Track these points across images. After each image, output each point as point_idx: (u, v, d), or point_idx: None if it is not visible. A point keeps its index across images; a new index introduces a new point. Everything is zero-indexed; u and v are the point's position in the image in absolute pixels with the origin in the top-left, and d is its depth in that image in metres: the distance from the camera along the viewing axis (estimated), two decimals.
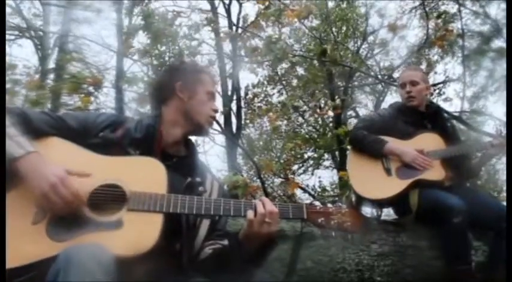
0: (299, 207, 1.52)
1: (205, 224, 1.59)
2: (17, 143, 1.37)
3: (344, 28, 9.60)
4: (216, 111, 1.73)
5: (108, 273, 1.14)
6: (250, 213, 1.44)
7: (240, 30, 8.65)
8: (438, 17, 6.64)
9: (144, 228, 1.37)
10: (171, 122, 1.66)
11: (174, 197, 1.44)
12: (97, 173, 1.44)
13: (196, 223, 1.58)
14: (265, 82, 11.66)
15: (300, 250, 1.57)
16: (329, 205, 1.56)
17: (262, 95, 11.89)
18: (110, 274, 1.15)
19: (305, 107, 11.57)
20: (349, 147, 3.02)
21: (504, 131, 2.80)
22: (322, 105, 11.04)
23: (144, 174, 1.47)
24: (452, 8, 6.65)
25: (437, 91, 9.54)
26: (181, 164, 1.62)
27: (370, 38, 9.90)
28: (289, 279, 1.48)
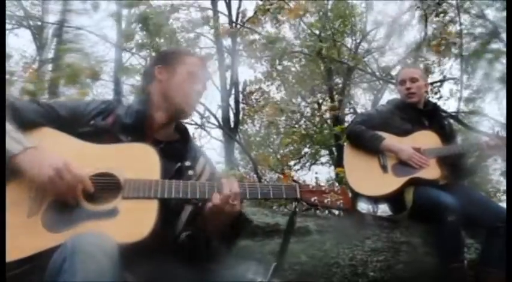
0: (292, 187, 1.51)
1: (187, 209, 1.58)
2: (13, 139, 1.36)
3: (342, 25, 9.60)
4: (198, 92, 1.68)
5: (113, 260, 1.15)
6: (216, 197, 1.43)
7: (239, 26, 8.64)
8: (437, 15, 6.65)
9: (140, 215, 1.37)
10: (156, 106, 1.65)
11: (168, 182, 1.43)
12: (90, 162, 1.44)
13: (180, 210, 1.57)
14: (263, 78, 11.68)
15: (293, 228, 1.56)
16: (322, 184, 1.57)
17: (260, 92, 11.91)
18: (115, 262, 1.15)
19: (303, 103, 11.58)
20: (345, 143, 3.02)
21: (500, 132, 2.81)
22: (320, 102, 11.06)
23: (137, 161, 1.47)
24: (450, 10, 6.66)
25: (434, 89, 9.56)
26: (171, 149, 1.60)
27: (369, 37, 9.92)
28: (281, 260, 1.48)
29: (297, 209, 1.58)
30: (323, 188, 1.52)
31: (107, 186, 1.42)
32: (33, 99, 1.64)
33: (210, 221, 1.49)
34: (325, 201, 1.50)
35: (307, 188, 1.52)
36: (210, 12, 8.86)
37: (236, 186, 1.45)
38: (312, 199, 1.50)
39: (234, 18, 9.25)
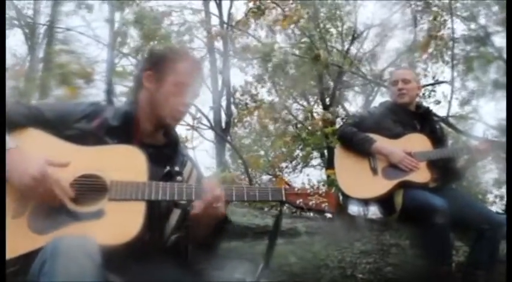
0: (278, 190, 1.52)
1: (175, 213, 1.57)
2: None
3: (333, 29, 9.64)
4: (185, 105, 1.63)
5: (95, 262, 1.14)
6: (200, 203, 1.44)
7: (230, 28, 8.65)
8: (434, 19, 6.70)
9: (127, 217, 1.37)
10: (143, 112, 1.61)
11: (155, 184, 1.43)
12: (76, 164, 1.42)
13: (168, 213, 1.56)
14: (255, 82, 11.70)
15: (278, 230, 1.58)
16: (307, 187, 1.58)
17: (251, 95, 11.92)
18: (97, 263, 1.14)
19: (295, 105, 11.61)
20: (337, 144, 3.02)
21: (492, 135, 2.84)
22: (312, 103, 11.08)
23: (124, 163, 1.46)
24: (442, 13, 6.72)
25: (427, 93, 9.62)
26: (159, 154, 1.58)
27: (360, 39, 9.97)
28: (267, 261, 1.49)
29: (283, 211, 1.59)
30: (308, 191, 1.55)
31: (93, 188, 1.41)
32: (19, 101, 1.60)
33: (193, 223, 1.49)
34: (310, 203, 1.52)
35: (293, 191, 1.53)
36: (203, 14, 8.86)
37: (217, 190, 1.44)
38: (297, 201, 1.52)
39: (225, 20, 9.27)
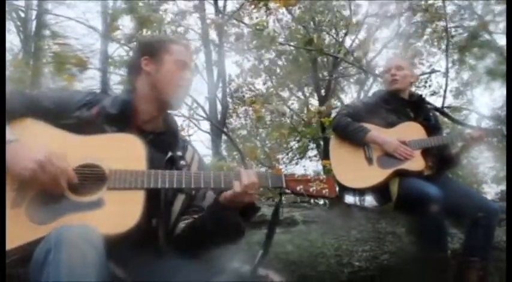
0: (278, 176, 1.52)
1: (179, 199, 1.57)
2: None
3: (329, 16, 9.60)
4: (188, 79, 1.64)
5: (98, 252, 1.14)
6: (237, 185, 1.43)
7: (226, 17, 8.59)
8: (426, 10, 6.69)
9: (126, 206, 1.36)
10: (144, 98, 1.61)
11: (154, 173, 1.43)
12: (74, 154, 1.42)
13: (173, 199, 1.57)
14: (251, 72, 11.67)
15: (278, 217, 1.57)
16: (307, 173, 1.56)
17: (246, 85, 11.89)
18: (100, 253, 1.15)
19: (291, 96, 11.60)
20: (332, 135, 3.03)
21: (483, 124, 2.86)
22: (307, 95, 11.07)
23: (123, 152, 1.45)
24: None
25: (422, 83, 9.64)
26: (159, 140, 1.59)
27: (355, 29, 9.94)
28: (266, 249, 1.48)
29: (283, 198, 1.58)
30: (308, 177, 1.53)
31: (91, 177, 1.41)
32: (17, 90, 1.59)
33: (221, 207, 1.48)
34: (311, 189, 1.50)
35: (293, 177, 1.52)
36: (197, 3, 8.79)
37: (254, 177, 1.44)
38: (298, 188, 1.50)
39: (220, 10, 9.19)
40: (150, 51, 1.65)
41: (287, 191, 1.52)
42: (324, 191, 1.51)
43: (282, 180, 1.50)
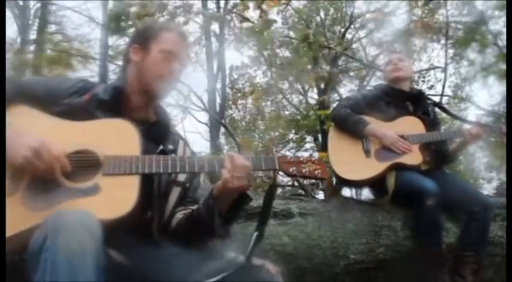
0: (271, 159, 1.51)
1: (175, 191, 1.57)
2: None
3: (331, 9, 9.57)
4: (171, 72, 1.58)
5: (95, 238, 1.13)
6: (224, 172, 1.42)
7: (227, 11, 8.56)
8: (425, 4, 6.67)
9: (122, 191, 1.36)
10: (132, 88, 1.59)
11: (148, 158, 1.42)
12: (68, 140, 1.41)
13: (167, 191, 1.56)
14: (250, 63, 11.64)
15: (272, 198, 1.55)
16: (299, 155, 1.56)
17: (247, 77, 11.87)
18: (98, 239, 1.13)
19: (289, 89, 11.58)
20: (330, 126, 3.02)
21: (486, 119, 2.86)
22: (306, 88, 11.05)
23: (116, 137, 1.44)
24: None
25: (421, 78, 9.63)
26: (151, 131, 1.56)
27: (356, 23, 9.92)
28: (261, 232, 1.46)
29: (276, 181, 1.58)
30: (301, 159, 1.53)
31: (86, 164, 1.40)
32: (8, 78, 1.57)
33: (218, 195, 1.47)
34: (303, 170, 1.50)
35: (286, 159, 1.52)
36: None
37: (240, 159, 1.43)
38: (291, 169, 1.50)
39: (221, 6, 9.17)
40: (139, 39, 1.63)
41: (283, 184, 1.51)
42: (316, 172, 1.51)
43: (275, 161, 1.50)
